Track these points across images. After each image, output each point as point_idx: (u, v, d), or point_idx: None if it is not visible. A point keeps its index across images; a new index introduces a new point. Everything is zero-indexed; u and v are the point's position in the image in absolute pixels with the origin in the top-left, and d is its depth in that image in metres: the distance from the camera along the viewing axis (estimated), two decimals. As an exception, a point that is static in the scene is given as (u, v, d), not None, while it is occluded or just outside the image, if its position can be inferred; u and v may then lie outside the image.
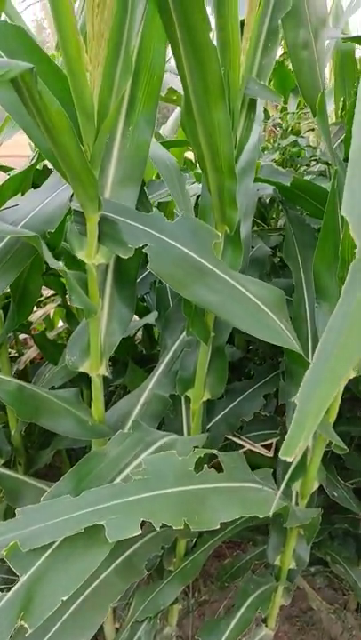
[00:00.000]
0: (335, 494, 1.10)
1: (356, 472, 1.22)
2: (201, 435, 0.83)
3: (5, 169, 1.27)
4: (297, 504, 0.94)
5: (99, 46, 0.52)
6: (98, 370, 0.79)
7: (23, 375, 1.54)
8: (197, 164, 0.68)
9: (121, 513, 0.54)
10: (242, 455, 0.72)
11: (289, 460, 0.29)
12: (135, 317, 1.35)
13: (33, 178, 0.93)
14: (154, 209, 0.77)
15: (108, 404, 1.27)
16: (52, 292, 1.57)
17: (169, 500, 0.57)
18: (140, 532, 0.53)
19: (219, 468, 0.69)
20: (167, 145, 0.83)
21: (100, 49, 0.52)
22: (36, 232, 0.68)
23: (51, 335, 1.63)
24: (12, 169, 1.24)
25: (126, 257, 0.67)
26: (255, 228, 1.26)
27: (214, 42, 0.61)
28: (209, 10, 0.60)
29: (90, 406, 0.85)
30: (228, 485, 0.63)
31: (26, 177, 0.86)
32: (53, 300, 1.72)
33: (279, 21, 0.66)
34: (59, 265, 0.66)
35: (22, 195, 0.83)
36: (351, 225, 0.28)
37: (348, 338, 0.26)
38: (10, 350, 1.57)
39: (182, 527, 0.54)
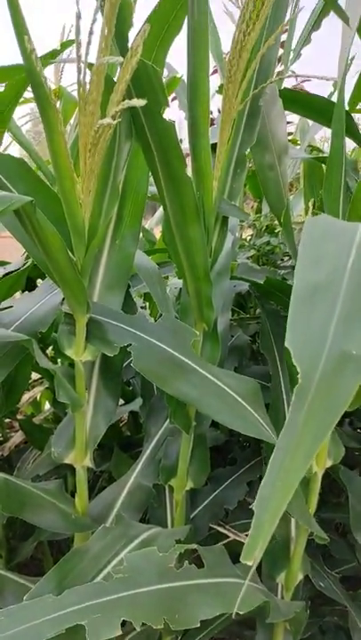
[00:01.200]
0: (322, 585, 1.08)
1: (343, 560, 1.20)
2: (183, 527, 0.84)
3: (2, 263, 1.36)
4: (282, 597, 0.92)
5: (90, 180, 0.61)
6: (82, 461, 0.82)
7: (7, 461, 1.53)
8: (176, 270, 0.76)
9: (102, 612, 0.54)
10: (223, 549, 0.73)
11: (249, 563, 0.32)
12: (120, 400, 1.38)
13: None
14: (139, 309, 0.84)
15: (94, 489, 1.27)
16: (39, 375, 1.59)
17: (149, 598, 0.57)
18: (121, 632, 0.53)
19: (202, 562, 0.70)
20: (150, 253, 0.92)
21: (90, 182, 0.61)
22: (30, 332, 0.73)
23: (37, 419, 1.64)
24: (8, 263, 1.33)
25: (112, 355, 0.72)
26: (235, 317, 1.34)
27: (190, 171, 0.72)
28: (185, 145, 0.70)
29: (73, 496, 0.86)
30: (208, 581, 0.64)
31: (19, 278, 0.93)
32: (41, 382, 1.74)
33: (246, 152, 0.77)
34: (49, 365, 0.71)
35: (21, 291, 0.90)
36: (293, 355, 0.33)
37: (293, 457, 0.31)
38: (-6, 434, 1.57)
39: (162, 626, 0.55)
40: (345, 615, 1.20)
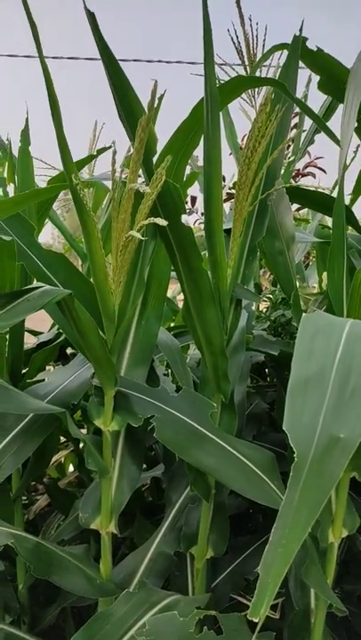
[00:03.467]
0: (346, 660, 1.06)
1: (368, 635, 1.17)
2: (204, 595, 0.86)
3: (35, 333, 1.47)
4: (304, 674, 0.92)
5: (120, 274, 0.70)
6: (108, 527, 0.87)
7: (32, 524, 1.57)
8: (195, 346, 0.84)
9: None
10: (242, 617, 0.75)
11: (255, 620, 0.37)
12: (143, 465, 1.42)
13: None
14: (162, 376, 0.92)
15: (116, 555, 1.29)
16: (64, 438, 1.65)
17: (170, 663, 0.61)
18: None
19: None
20: (171, 329, 1.01)
21: (121, 275, 0.71)
22: (63, 404, 0.81)
23: (62, 483, 1.68)
24: (41, 333, 1.44)
25: (136, 425, 0.79)
26: (253, 384, 1.39)
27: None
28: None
29: (97, 561, 0.90)
30: (226, 649, 0.67)
31: (53, 350, 1.03)
32: (66, 446, 1.80)
33: (257, 242, 0.87)
34: (81, 436, 0.78)
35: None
36: (290, 438, 0.40)
37: (292, 528, 0.37)
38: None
39: None
40: None
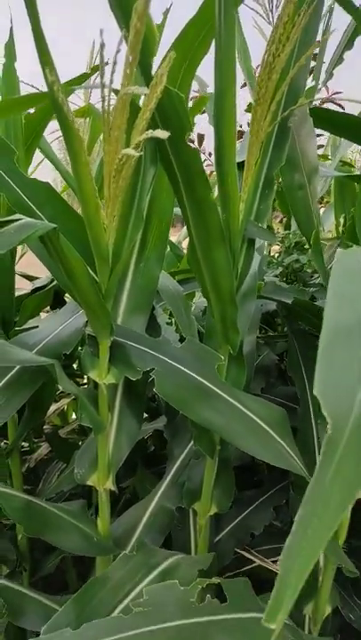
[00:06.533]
0: (352, 617, 1.03)
1: (375, 591, 1.15)
2: (206, 555, 0.82)
3: (30, 278, 1.37)
4: (310, 631, 0.89)
5: (114, 205, 0.60)
6: (105, 484, 0.81)
7: (33, 471, 1.55)
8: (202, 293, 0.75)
9: (120, 649, 0.53)
10: (247, 582, 0.70)
11: (273, 627, 0.30)
12: (145, 414, 1.37)
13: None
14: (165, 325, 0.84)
15: (118, 502, 1.26)
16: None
17: (169, 634, 0.56)
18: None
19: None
20: (174, 274, 0.91)
21: (115, 208, 0.60)
22: (54, 354, 0.73)
23: (63, 432, 1.65)
24: (37, 278, 1.34)
25: (135, 379, 0.71)
26: (262, 334, 1.31)
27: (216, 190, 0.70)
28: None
29: (96, 516, 0.85)
30: (230, 617, 0.62)
31: (47, 295, 0.94)
32: (68, 394, 1.75)
33: (274, 173, 0.75)
34: (72, 389, 0.70)
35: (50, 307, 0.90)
36: (323, 405, 0.32)
37: (321, 517, 0.29)
38: (22, 444, 1.59)
39: (182, 667, 0.53)
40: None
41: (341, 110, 0.82)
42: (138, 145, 0.49)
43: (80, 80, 0.91)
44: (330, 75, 1.13)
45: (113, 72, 0.51)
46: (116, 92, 0.54)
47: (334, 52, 1.07)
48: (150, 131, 0.45)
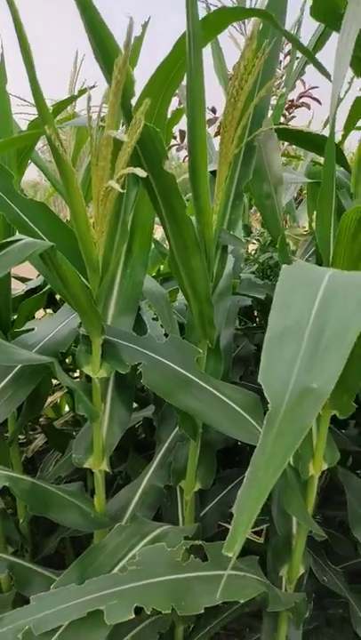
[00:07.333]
0: (325, 579, 1.15)
1: (347, 556, 1.27)
2: (192, 525, 0.93)
3: (23, 280, 1.45)
4: (286, 590, 1.00)
5: (102, 223, 0.69)
6: (100, 466, 0.91)
7: (31, 462, 1.64)
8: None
9: (118, 599, 0.64)
10: (226, 544, 0.81)
11: (230, 554, 0.41)
12: (135, 404, 1.47)
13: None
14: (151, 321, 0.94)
15: (112, 486, 1.36)
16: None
17: (158, 587, 0.66)
18: (134, 616, 0.62)
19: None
20: (157, 277, 1.00)
21: (103, 225, 0.69)
22: (52, 353, 0.83)
23: (58, 424, 1.74)
24: (30, 279, 1.43)
25: (124, 372, 0.81)
26: (241, 326, 1.41)
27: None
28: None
29: (92, 496, 0.95)
30: (211, 573, 0.73)
31: (41, 298, 1.03)
32: (61, 387, 1.84)
33: (243, 186, 0.85)
34: (70, 383, 0.80)
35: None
36: (265, 390, 0.42)
37: (265, 471, 0.39)
38: (19, 436, 1.68)
39: (170, 611, 0.64)
40: (348, 607, 1.27)
41: (307, 121, 0.91)
42: (121, 177, 0.58)
43: (68, 103, 0.99)
44: (293, 84, 1.22)
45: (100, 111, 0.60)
46: (103, 128, 0.63)
47: (297, 65, 1.16)
48: (131, 168, 0.54)
